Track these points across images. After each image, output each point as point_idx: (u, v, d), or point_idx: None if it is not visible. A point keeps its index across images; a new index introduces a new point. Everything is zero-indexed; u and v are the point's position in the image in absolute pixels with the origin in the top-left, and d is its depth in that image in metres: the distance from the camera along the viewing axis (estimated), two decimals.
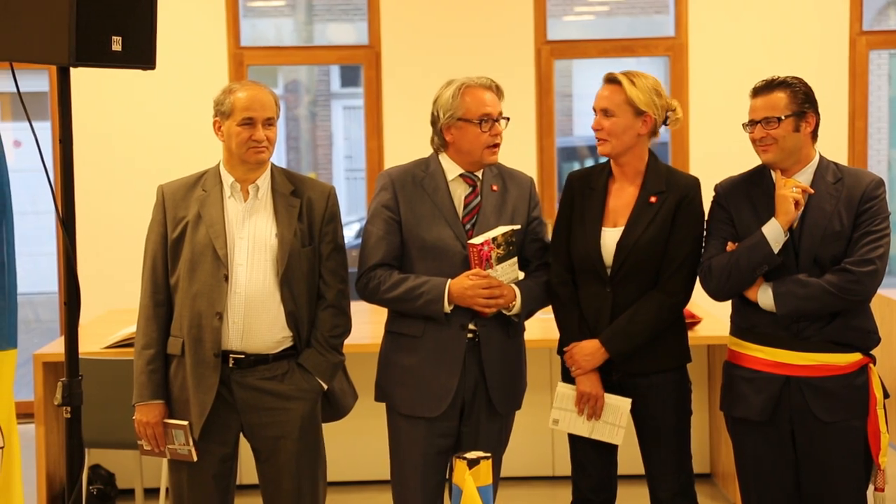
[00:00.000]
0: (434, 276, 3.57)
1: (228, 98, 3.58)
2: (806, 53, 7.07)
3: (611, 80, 3.63)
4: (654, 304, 3.58)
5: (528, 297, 3.64)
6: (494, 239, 3.54)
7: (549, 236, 3.78)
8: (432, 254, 3.60)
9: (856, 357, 3.49)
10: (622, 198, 3.67)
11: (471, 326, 3.60)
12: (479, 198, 3.66)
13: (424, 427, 3.62)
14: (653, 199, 3.61)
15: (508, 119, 3.67)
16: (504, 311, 3.60)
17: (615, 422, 3.65)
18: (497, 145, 3.65)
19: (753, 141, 3.52)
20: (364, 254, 3.65)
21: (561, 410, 3.72)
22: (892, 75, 12.08)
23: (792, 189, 3.43)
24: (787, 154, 3.48)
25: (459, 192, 3.67)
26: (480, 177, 3.69)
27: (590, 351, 3.61)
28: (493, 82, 3.67)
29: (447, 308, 3.55)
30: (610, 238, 3.62)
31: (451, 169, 3.67)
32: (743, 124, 3.54)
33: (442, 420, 3.62)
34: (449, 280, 3.55)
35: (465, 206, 3.65)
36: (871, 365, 3.52)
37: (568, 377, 3.72)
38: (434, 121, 3.67)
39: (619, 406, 3.64)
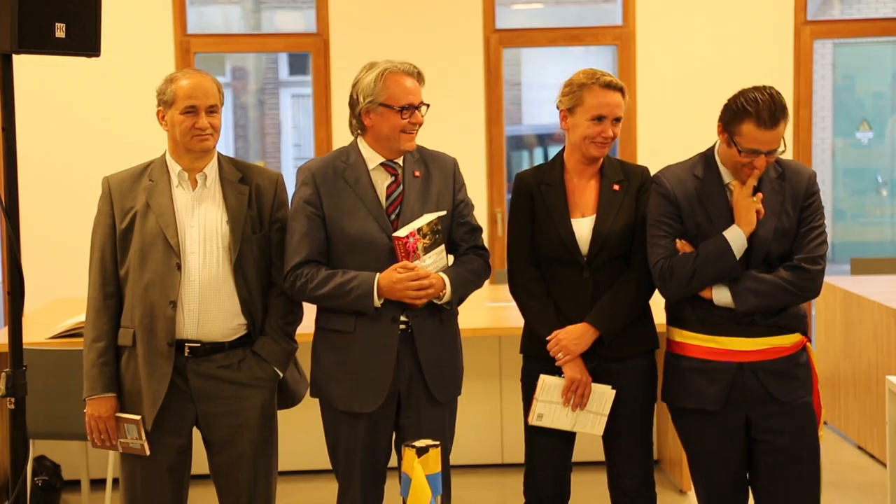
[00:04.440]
0: (362, 271, 3.53)
1: (170, 87, 3.54)
2: (751, 43, 7.14)
3: (619, 88, 3.66)
4: (633, 282, 3.65)
5: (458, 283, 3.60)
6: (420, 229, 3.51)
7: (478, 220, 3.74)
8: (358, 247, 3.56)
9: (797, 337, 3.59)
10: (585, 189, 3.72)
11: (402, 318, 3.56)
12: (401, 186, 3.61)
13: (362, 422, 3.59)
14: (616, 188, 3.69)
15: (428, 106, 3.61)
16: (435, 301, 3.57)
17: (599, 410, 3.65)
18: (414, 132, 3.60)
19: (745, 164, 3.44)
20: (288, 251, 3.58)
21: (546, 403, 3.67)
22: (836, 64, 12.22)
23: (753, 199, 3.48)
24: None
25: (381, 181, 3.61)
26: (402, 164, 3.64)
27: (578, 334, 3.62)
28: (415, 68, 3.62)
29: (377, 302, 3.51)
30: (583, 227, 3.67)
31: (372, 157, 3.61)
32: (739, 151, 3.43)
33: (379, 414, 3.58)
34: (377, 274, 3.51)
35: (388, 196, 3.60)
36: (808, 343, 3.62)
37: (548, 371, 3.68)
38: (353, 104, 3.61)
39: (604, 393, 3.64)
